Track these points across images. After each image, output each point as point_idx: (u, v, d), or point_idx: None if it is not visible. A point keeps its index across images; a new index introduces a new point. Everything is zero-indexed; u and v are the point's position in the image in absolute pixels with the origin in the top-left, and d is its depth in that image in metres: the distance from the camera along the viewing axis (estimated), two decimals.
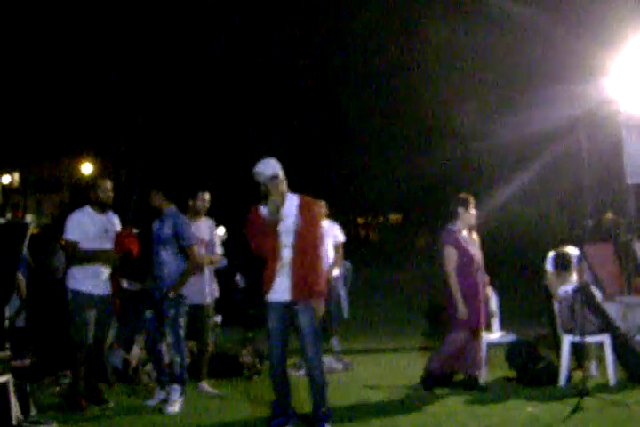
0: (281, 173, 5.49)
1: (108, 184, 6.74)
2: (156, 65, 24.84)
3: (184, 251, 6.66)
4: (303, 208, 5.50)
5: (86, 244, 6.53)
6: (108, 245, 6.68)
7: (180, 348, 6.61)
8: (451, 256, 6.87)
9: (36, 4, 25.09)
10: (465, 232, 7.02)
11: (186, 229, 6.69)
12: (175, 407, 6.41)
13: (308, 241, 5.46)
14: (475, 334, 6.90)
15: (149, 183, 6.94)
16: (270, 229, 5.46)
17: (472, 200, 7.04)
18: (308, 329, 5.50)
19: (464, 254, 6.87)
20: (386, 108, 22.47)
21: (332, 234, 9.23)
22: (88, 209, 6.65)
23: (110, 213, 6.79)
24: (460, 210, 6.99)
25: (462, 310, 6.77)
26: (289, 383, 5.73)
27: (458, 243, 6.90)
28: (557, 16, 14.70)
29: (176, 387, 6.52)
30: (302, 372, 7.24)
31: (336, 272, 9.22)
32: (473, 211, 7.01)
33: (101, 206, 6.67)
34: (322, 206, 5.85)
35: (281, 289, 5.52)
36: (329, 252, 8.85)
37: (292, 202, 5.54)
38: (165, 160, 25.23)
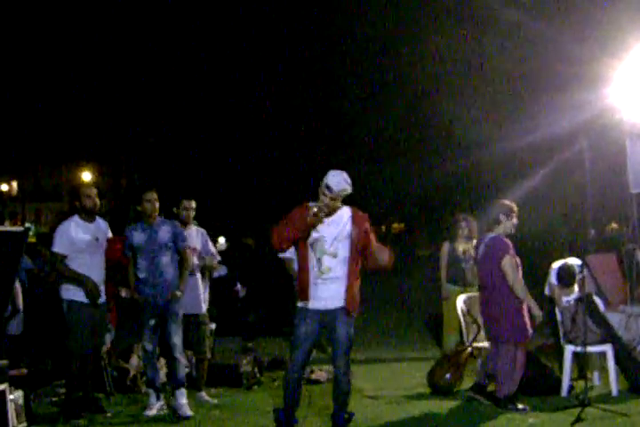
0: (349, 190, 5.48)
1: (93, 191, 6.65)
2: (156, 73, 24.86)
3: (180, 254, 6.71)
4: (356, 219, 5.51)
5: (77, 255, 6.42)
6: (100, 254, 6.60)
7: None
8: (514, 265, 6.67)
9: (35, 14, 25.13)
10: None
11: (182, 232, 6.79)
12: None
13: (357, 251, 5.46)
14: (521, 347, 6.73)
15: (149, 189, 6.82)
16: (307, 226, 5.38)
17: (515, 209, 6.88)
18: (344, 339, 5.50)
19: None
20: (389, 117, 22.48)
21: None
22: (76, 218, 6.54)
23: (99, 221, 6.69)
24: (502, 217, 6.82)
25: (538, 312, 6.63)
26: (301, 392, 5.72)
27: (512, 250, 6.71)
28: (561, 25, 14.72)
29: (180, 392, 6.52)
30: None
31: None
32: (515, 220, 6.85)
33: (89, 214, 6.56)
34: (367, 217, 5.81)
35: (322, 297, 5.48)
36: None
37: (344, 212, 5.54)
38: (165, 169, 25.21)
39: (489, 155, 17.86)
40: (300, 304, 5.54)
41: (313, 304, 5.49)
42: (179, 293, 6.63)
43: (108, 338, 7.36)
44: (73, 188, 6.87)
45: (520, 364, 6.63)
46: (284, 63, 23.45)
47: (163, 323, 6.62)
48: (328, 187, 5.40)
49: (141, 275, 6.63)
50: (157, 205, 6.70)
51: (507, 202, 6.96)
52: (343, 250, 5.45)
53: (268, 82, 23.95)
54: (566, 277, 7.55)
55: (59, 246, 6.41)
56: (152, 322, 6.61)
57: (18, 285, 7.99)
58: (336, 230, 5.45)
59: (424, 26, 20.01)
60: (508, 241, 6.74)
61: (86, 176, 36.68)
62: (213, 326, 7.65)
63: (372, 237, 5.56)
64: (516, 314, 6.60)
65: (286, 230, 5.42)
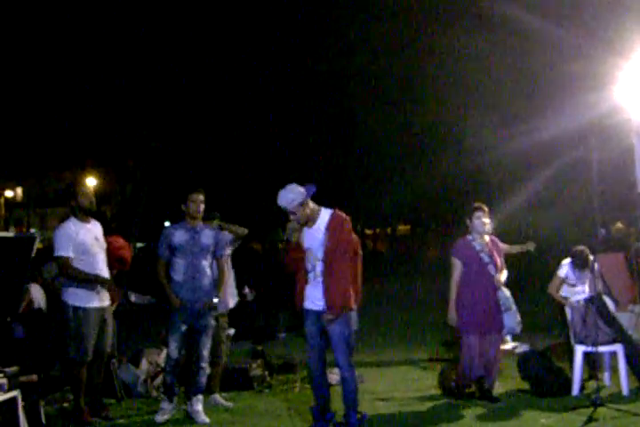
0: (294, 203, 5.70)
1: (90, 190, 6.60)
2: (162, 77, 24.87)
3: (217, 261, 6.71)
4: (331, 225, 5.77)
5: (81, 256, 6.32)
6: (103, 254, 6.52)
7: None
8: (456, 266, 7.01)
9: (38, 18, 25.16)
10: (480, 241, 7.02)
11: (223, 239, 6.78)
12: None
13: (334, 256, 5.70)
14: (481, 340, 6.88)
15: (195, 189, 6.73)
16: (290, 246, 5.81)
17: (479, 208, 7.05)
18: (338, 338, 5.70)
19: (468, 263, 6.95)
20: (396, 120, 22.48)
21: None
22: (73, 220, 6.42)
23: (94, 221, 6.58)
24: (467, 221, 7.07)
25: (451, 315, 6.93)
26: (328, 388, 5.94)
27: (460, 253, 7.00)
28: (567, 25, 14.71)
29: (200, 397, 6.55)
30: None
31: None
32: (481, 218, 7.00)
33: (86, 214, 6.46)
34: (347, 219, 5.97)
35: (315, 299, 5.77)
36: None
37: (324, 217, 5.83)
38: (171, 174, 25.23)
39: (496, 156, 17.86)
40: (302, 306, 5.89)
41: (308, 305, 5.84)
42: (216, 300, 6.58)
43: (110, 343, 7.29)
44: (69, 187, 6.72)
45: (464, 352, 6.90)
46: (294, 68, 23.45)
47: (195, 332, 6.56)
48: (283, 208, 5.76)
49: (178, 277, 6.54)
50: (203, 207, 6.64)
51: (474, 204, 7.14)
52: (324, 255, 5.76)
53: (278, 86, 23.95)
54: (580, 259, 7.57)
55: (62, 250, 6.28)
56: (184, 328, 6.51)
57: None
58: (318, 238, 5.76)
59: (432, 29, 20.00)
60: (461, 243, 7.06)
61: (91, 181, 36.75)
62: (232, 331, 7.63)
63: (346, 239, 5.79)
64: (460, 307, 6.92)
65: (295, 259, 5.87)
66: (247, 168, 25.28)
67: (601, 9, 13.81)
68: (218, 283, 6.70)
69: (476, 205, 7.14)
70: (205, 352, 6.57)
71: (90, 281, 6.33)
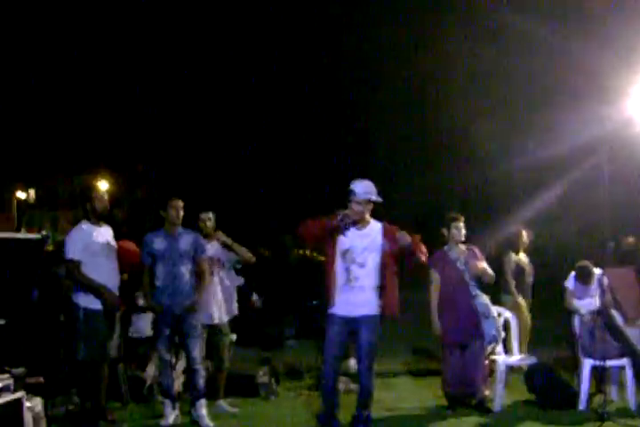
0: (368, 196, 5.82)
1: (104, 194, 6.63)
2: (174, 82, 25.00)
3: (196, 263, 6.71)
4: (387, 233, 5.85)
5: (92, 259, 6.34)
6: (114, 258, 6.56)
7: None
8: (434, 278, 7.12)
9: (49, 22, 25.36)
10: (455, 250, 7.11)
11: (202, 243, 6.80)
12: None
13: (391, 262, 5.84)
14: (462, 351, 6.92)
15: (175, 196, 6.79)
16: (332, 228, 5.76)
17: (457, 218, 7.16)
18: (367, 344, 5.84)
19: (444, 274, 7.04)
20: (405, 128, 22.49)
21: None
22: (85, 223, 6.46)
23: (105, 225, 6.63)
24: (444, 230, 7.20)
25: (434, 326, 7.02)
26: (338, 395, 6.08)
27: (437, 264, 7.09)
28: (580, 39, 14.71)
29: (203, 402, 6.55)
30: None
31: None
32: (456, 229, 7.11)
33: (99, 218, 6.51)
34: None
35: (348, 304, 5.81)
36: None
37: (373, 227, 5.91)
38: (182, 178, 25.28)
39: (507, 168, 17.84)
40: (329, 310, 5.87)
41: (339, 310, 5.81)
42: (195, 304, 6.61)
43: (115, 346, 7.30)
44: (83, 190, 6.69)
45: (447, 366, 6.98)
46: (306, 74, 23.50)
47: (181, 336, 6.60)
48: (352, 192, 5.79)
49: (159, 283, 6.60)
50: (182, 213, 6.68)
51: (450, 214, 7.24)
52: (373, 261, 5.81)
53: (290, 92, 24.02)
54: (584, 275, 7.57)
55: (73, 253, 6.31)
56: (167, 331, 6.57)
57: None
58: (366, 242, 5.81)
59: (444, 39, 20.03)
60: (438, 254, 7.15)
61: (103, 185, 36.87)
62: (234, 336, 7.64)
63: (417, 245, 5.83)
64: (444, 319, 6.97)
65: (312, 225, 5.78)
66: (258, 175, 25.32)
67: (614, 23, 13.80)
68: (200, 285, 6.70)
69: (454, 214, 7.24)
70: (195, 354, 6.59)
71: (94, 290, 6.33)
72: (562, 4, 16.67)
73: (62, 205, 48.37)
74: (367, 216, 5.92)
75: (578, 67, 14.91)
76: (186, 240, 6.67)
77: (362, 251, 5.81)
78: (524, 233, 8.88)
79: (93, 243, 6.38)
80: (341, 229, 5.81)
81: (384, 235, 5.83)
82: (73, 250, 6.32)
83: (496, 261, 9.21)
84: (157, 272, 6.62)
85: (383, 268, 5.83)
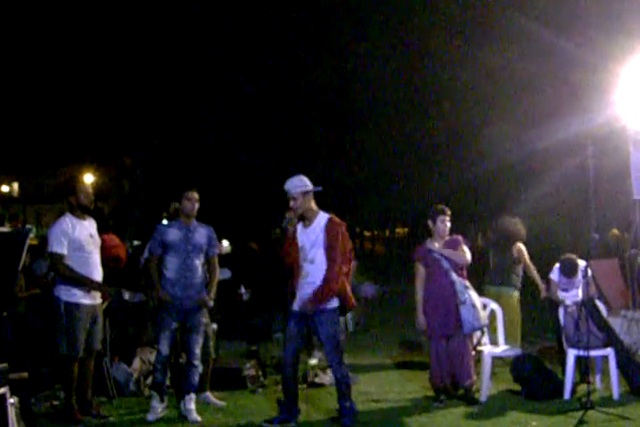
0: (298, 190, 6.04)
1: (89, 187, 6.56)
2: (160, 73, 24.87)
3: (208, 260, 6.71)
4: (328, 227, 6.05)
5: (75, 253, 6.28)
6: (97, 252, 6.49)
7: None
8: (419, 271, 7.16)
9: (35, 14, 25.19)
10: (437, 242, 7.13)
11: (216, 238, 6.80)
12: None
13: (330, 257, 5.98)
14: (448, 343, 6.98)
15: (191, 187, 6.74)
16: (289, 237, 6.07)
17: (443, 211, 7.16)
18: (327, 336, 6.04)
19: (427, 266, 7.10)
20: (395, 124, 22.49)
21: None
22: (69, 216, 6.39)
23: (89, 218, 6.56)
24: (429, 223, 7.21)
25: (419, 320, 7.07)
26: (297, 384, 6.32)
27: (420, 257, 7.15)
28: (566, 35, 14.76)
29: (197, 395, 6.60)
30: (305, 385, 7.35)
31: None
32: (442, 223, 7.12)
33: (84, 211, 6.45)
34: (344, 224, 6.17)
35: (301, 300, 6.07)
36: None
37: (320, 220, 6.09)
38: (169, 171, 25.21)
39: (494, 162, 17.90)
40: (290, 306, 6.15)
41: (295, 306, 6.11)
42: (208, 299, 6.60)
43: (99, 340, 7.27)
44: (68, 183, 6.56)
45: (433, 358, 7.03)
46: (296, 68, 23.42)
47: (186, 331, 6.57)
48: (286, 190, 6.06)
49: (170, 274, 6.53)
50: (197, 205, 6.65)
51: (437, 207, 7.28)
52: (321, 256, 6.00)
53: (278, 86, 23.93)
54: (568, 267, 7.62)
55: (57, 246, 6.24)
56: (174, 325, 6.51)
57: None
58: (313, 238, 6.04)
59: (437, 35, 20.01)
60: (421, 247, 7.21)
61: (88, 178, 36.70)
62: (215, 326, 7.65)
63: (340, 244, 6.03)
64: (427, 310, 7.03)
65: (288, 248, 6.12)
66: (247, 168, 25.27)
67: (599, 18, 13.87)
68: (210, 282, 6.71)
69: (440, 207, 7.24)
70: (197, 350, 6.59)
71: (79, 282, 6.29)
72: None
73: (47, 198, 48.19)
74: (313, 210, 6.10)
75: (565, 63, 14.98)
76: (201, 233, 6.64)
77: (310, 247, 6.02)
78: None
79: (77, 236, 6.31)
80: (291, 231, 6.07)
81: (326, 230, 5.99)
82: (55, 243, 6.26)
83: (483, 254, 9.28)
84: (169, 263, 6.55)
85: (329, 263, 5.97)
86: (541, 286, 8.40)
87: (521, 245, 8.60)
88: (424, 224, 7.47)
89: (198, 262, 6.61)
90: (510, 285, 8.44)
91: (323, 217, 6.10)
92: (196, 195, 6.65)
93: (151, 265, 6.65)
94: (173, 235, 6.57)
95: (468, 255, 7.11)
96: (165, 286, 6.53)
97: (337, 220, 6.11)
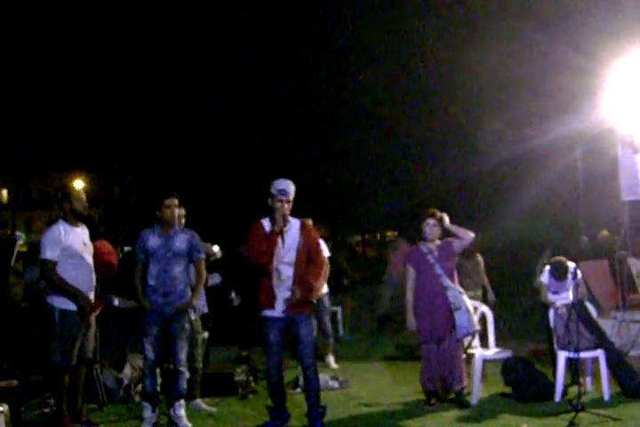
0: (292, 193, 6.16)
1: (83, 194, 6.54)
2: (148, 79, 24.81)
3: (194, 265, 6.67)
4: (303, 230, 6.15)
5: (68, 260, 6.24)
6: (90, 258, 6.45)
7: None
8: (409, 274, 7.18)
9: (22, 17, 25.10)
10: (431, 245, 7.16)
11: (199, 243, 6.72)
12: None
13: (308, 258, 6.11)
14: (439, 346, 6.97)
15: (170, 194, 6.69)
16: (274, 238, 6.04)
17: (431, 215, 7.17)
18: (306, 340, 6.09)
19: (418, 269, 7.11)
20: (385, 127, 22.49)
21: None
22: (62, 223, 6.34)
23: (82, 225, 6.52)
24: (422, 226, 7.22)
25: (410, 322, 7.09)
26: (284, 390, 6.35)
27: (411, 260, 7.18)
28: (556, 35, 14.80)
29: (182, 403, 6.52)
30: (298, 390, 7.34)
31: (325, 289, 9.27)
32: (427, 226, 7.15)
33: (78, 218, 6.41)
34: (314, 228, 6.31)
35: (280, 304, 6.05)
36: None
37: (295, 224, 6.17)
38: (159, 177, 25.14)
39: (483, 165, 17.94)
40: (265, 312, 6.13)
41: (278, 311, 6.07)
42: (189, 305, 6.56)
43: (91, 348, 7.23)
44: (62, 189, 6.53)
45: (424, 361, 7.03)
46: (285, 71, 23.34)
47: (168, 337, 6.52)
48: (282, 191, 6.10)
49: (151, 282, 6.49)
50: (177, 211, 6.62)
51: (426, 210, 7.30)
52: (297, 259, 6.09)
53: (267, 91, 23.89)
54: (559, 270, 7.64)
55: (49, 253, 6.18)
56: (156, 331, 6.46)
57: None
58: (290, 241, 6.10)
59: (422, 35, 20.01)
60: (412, 249, 7.34)
61: (78, 184, 36.57)
62: (206, 334, 7.63)
63: (319, 246, 6.24)
64: (418, 313, 7.04)
65: (257, 248, 6.07)
66: (236, 173, 25.22)
67: (587, 21, 13.91)
68: (195, 287, 6.67)
69: (429, 211, 7.24)
70: (182, 356, 6.53)
71: (68, 292, 6.22)
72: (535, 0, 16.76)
73: (37, 205, 48.00)
74: (288, 215, 6.17)
75: (553, 64, 15.01)
76: (181, 239, 6.58)
77: (287, 250, 6.08)
78: None
79: (69, 244, 6.27)
80: (277, 232, 6.07)
81: (301, 233, 6.11)
82: (47, 250, 6.20)
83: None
84: (150, 271, 6.51)
85: (298, 265, 6.06)
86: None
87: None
88: (414, 228, 7.50)
89: (179, 269, 6.54)
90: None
91: (296, 221, 6.21)
92: (175, 201, 6.60)
93: (137, 272, 6.60)
94: (153, 242, 6.53)
95: (471, 233, 7.13)
96: (147, 293, 6.50)
97: (308, 223, 6.31)
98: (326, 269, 9.36)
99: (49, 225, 6.55)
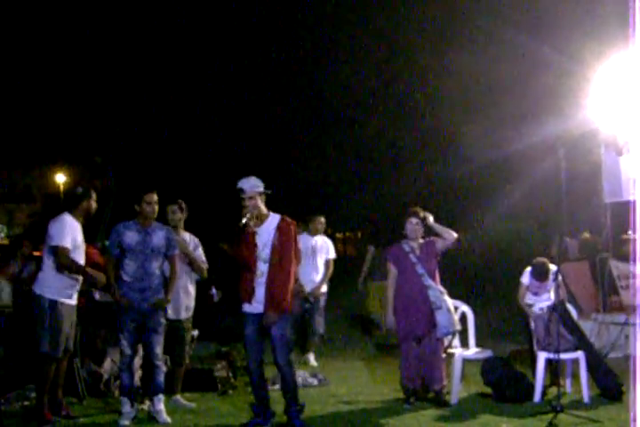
0: (254, 189, 6.07)
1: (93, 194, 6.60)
2: (132, 72, 24.69)
3: (168, 260, 6.64)
4: (280, 227, 6.06)
5: (74, 251, 6.32)
6: (83, 254, 6.51)
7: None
8: (390, 271, 7.19)
9: (9, 13, 24.89)
10: (413, 244, 7.16)
11: (174, 239, 6.71)
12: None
13: (280, 256, 5.99)
14: (419, 345, 6.99)
15: (150, 190, 6.66)
16: (250, 236, 6.04)
17: (414, 213, 7.17)
18: (280, 340, 6.00)
19: (399, 267, 7.11)
20: (369, 127, 22.51)
21: (325, 250, 9.29)
22: (69, 216, 6.40)
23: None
24: (404, 224, 7.22)
25: (388, 320, 7.13)
26: (267, 387, 6.32)
27: (392, 258, 7.19)
28: (538, 38, 14.88)
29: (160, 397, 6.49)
30: (277, 386, 7.29)
31: (324, 288, 9.25)
32: (410, 225, 7.15)
33: (86, 217, 6.52)
34: (295, 224, 6.17)
35: (256, 301, 6.03)
36: (319, 267, 9.27)
37: (273, 220, 6.11)
38: (141, 171, 25.01)
39: (467, 165, 18.01)
40: (244, 308, 6.11)
41: (254, 307, 6.05)
42: (164, 300, 6.55)
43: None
44: (88, 189, 6.63)
45: (404, 360, 7.04)
46: (277, 70, 23.33)
47: (144, 331, 6.49)
48: (240, 190, 6.07)
49: (127, 277, 6.46)
50: (156, 208, 6.59)
51: (409, 209, 7.29)
52: (270, 256, 6.03)
53: (254, 90, 23.84)
54: (539, 271, 7.65)
55: (63, 240, 6.24)
56: (132, 326, 6.44)
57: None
58: (265, 237, 6.05)
59: (407, 39, 20.06)
60: (394, 247, 7.26)
61: (60, 178, 36.33)
62: (196, 332, 7.60)
63: (291, 245, 6.07)
64: (398, 311, 7.06)
65: (237, 254, 6.15)
66: (220, 169, 25.15)
67: (571, 23, 14.01)
68: (170, 283, 6.64)
69: (412, 209, 7.24)
70: (158, 350, 6.52)
71: (83, 273, 6.35)
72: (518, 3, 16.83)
73: (19, 198, 47.64)
74: (264, 211, 6.13)
75: (537, 66, 15.09)
76: (159, 236, 6.56)
77: (263, 247, 6.04)
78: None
79: (75, 236, 6.37)
80: (251, 230, 6.08)
81: (278, 229, 6.04)
82: (62, 237, 6.26)
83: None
84: (126, 266, 6.46)
85: (273, 263, 6.00)
86: None
87: None
88: (394, 225, 7.50)
89: (156, 265, 6.54)
90: None
91: (274, 218, 6.14)
92: (155, 197, 6.58)
93: (109, 267, 6.55)
94: (130, 238, 6.48)
95: (455, 233, 7.13)
96: (122, 288, 6.45)
97: (288, 219, 6.15)
98: (331, 271, 9.37)
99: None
